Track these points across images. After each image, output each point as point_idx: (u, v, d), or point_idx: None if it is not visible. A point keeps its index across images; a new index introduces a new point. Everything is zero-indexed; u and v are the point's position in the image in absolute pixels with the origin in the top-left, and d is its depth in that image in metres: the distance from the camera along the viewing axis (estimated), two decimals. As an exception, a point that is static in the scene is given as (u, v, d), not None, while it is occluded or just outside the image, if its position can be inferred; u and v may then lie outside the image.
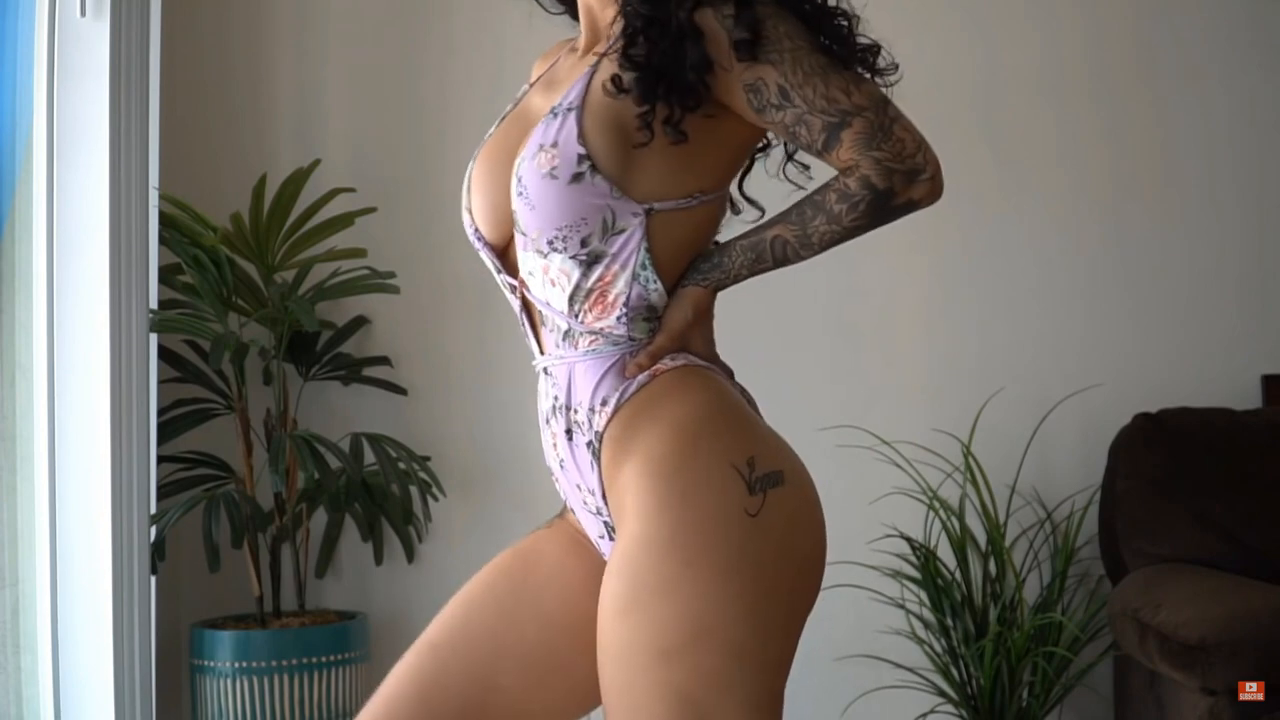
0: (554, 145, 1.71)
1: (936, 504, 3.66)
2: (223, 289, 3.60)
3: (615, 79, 1.72)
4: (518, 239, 1.78)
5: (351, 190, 3.75)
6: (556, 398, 1.79)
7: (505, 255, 1.84)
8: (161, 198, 3.56)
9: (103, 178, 3.27)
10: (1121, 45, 3.97)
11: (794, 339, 3.93)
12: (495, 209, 1.82)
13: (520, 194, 1.73)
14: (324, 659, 3.50)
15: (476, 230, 1.84)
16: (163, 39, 3.69)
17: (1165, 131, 3.95)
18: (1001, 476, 3.77)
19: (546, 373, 1.81)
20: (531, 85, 1.91)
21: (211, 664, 3.49)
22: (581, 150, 1.70)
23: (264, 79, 4.03)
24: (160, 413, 3.63)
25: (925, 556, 3.62)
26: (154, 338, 3.53)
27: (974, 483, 3.67)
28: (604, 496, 1.76)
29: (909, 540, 3.65)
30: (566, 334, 1.78)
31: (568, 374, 1.78)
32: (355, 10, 4.02)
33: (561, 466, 1.82)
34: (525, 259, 1.78)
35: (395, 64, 4.02)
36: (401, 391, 3.88)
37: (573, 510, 1.86)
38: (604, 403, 1.75)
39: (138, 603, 3.36)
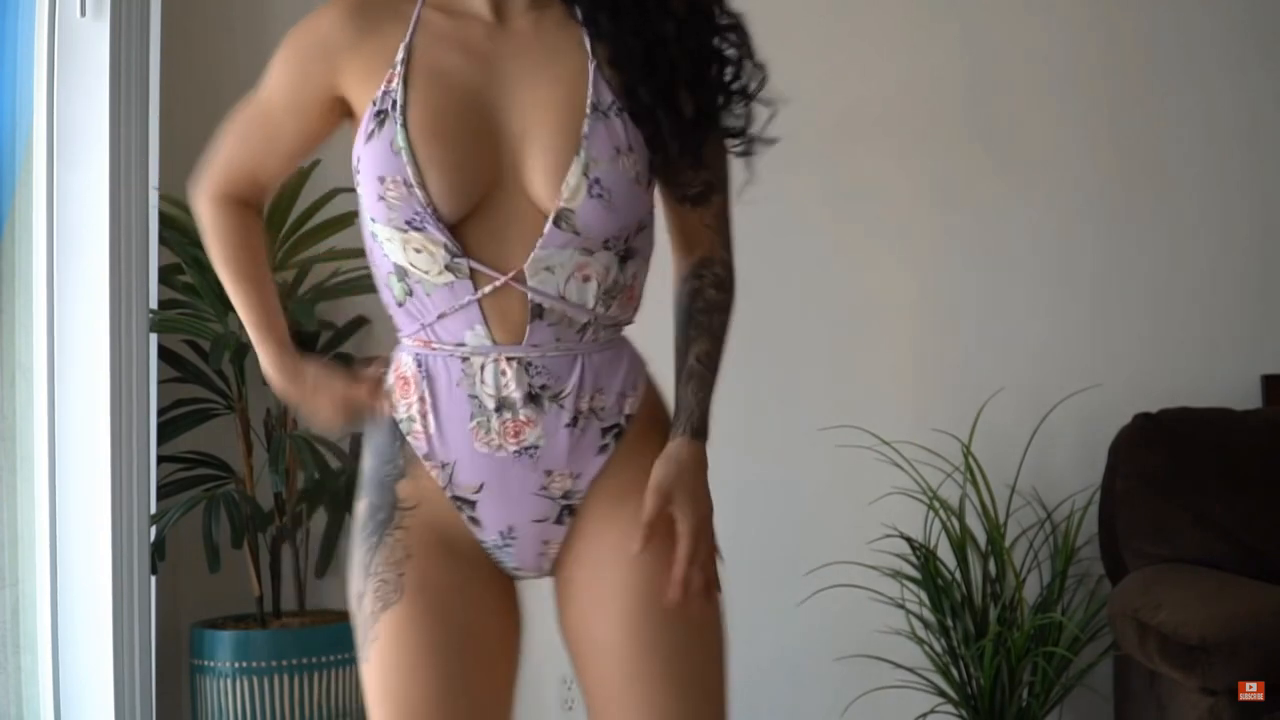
0: (630, 150, 1.75)
1: (936, 504, 3.66)
2: (223, 289, 3.59)
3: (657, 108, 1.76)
4: (554, 234, 1.73)
5: (351, 190, 3.73)
6: (544, 386, 1.77)
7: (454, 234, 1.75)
8: (161, 198, 3.56)
9: (103, 178, 3.27)
10: (1123, 45, 3.96)
11: (794, 339, 3.92)
12: (470, 188, 1.74)
13: (599, 196, 1.73)
14: (324, 659, 3.50)
15: (432, 208, 1.73)
16: (163, 39, 3.68)
17: (1166, 131, 3.94)
18: (1001, 476, 3.77)
19: (518, 363, 1.76)
20: (408, 54, 1.77)
21: (211, 664, 3.49)
22: (650, 156, 1.78)
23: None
24: (160, 413, 3.63)
25: (925, 556, 3.61)
26: (154, 338, 3.53)
27: (974, 483, 3.67)
28: (592, 479, 1.80)
29: (909, 540, 3.65)
30: (583, 326, 1.78)
31: (577, 364, 1.78)
32: (355, 10, 4.02)
33: (528, 453, 1.78)
34: (550, 254, 1.74)
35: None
36: None
37: (464, 498, 1.81)
38: (635, 386, 1.82)
39: (138, 603, 3.36)
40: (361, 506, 1.89)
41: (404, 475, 1.83)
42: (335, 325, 3.87)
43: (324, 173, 3.79)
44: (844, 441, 3.78)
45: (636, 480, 1.79)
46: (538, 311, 1.76)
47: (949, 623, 3.60)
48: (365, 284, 3.70)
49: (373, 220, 1.79)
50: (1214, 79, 3.93)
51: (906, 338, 3.96)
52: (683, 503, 1.75)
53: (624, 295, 1.81)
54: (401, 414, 1.83)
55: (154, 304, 3.55)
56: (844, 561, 3.75)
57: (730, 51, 1.82)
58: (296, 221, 3.68)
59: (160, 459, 3.61)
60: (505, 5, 1.80)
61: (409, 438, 1.82)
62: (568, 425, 1.78)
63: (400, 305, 1.81)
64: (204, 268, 3.58)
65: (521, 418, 1.77)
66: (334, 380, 1.91)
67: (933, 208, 3.96)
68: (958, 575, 3.62)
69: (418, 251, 1.75)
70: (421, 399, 1.80)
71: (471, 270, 1.74)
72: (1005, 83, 3.97)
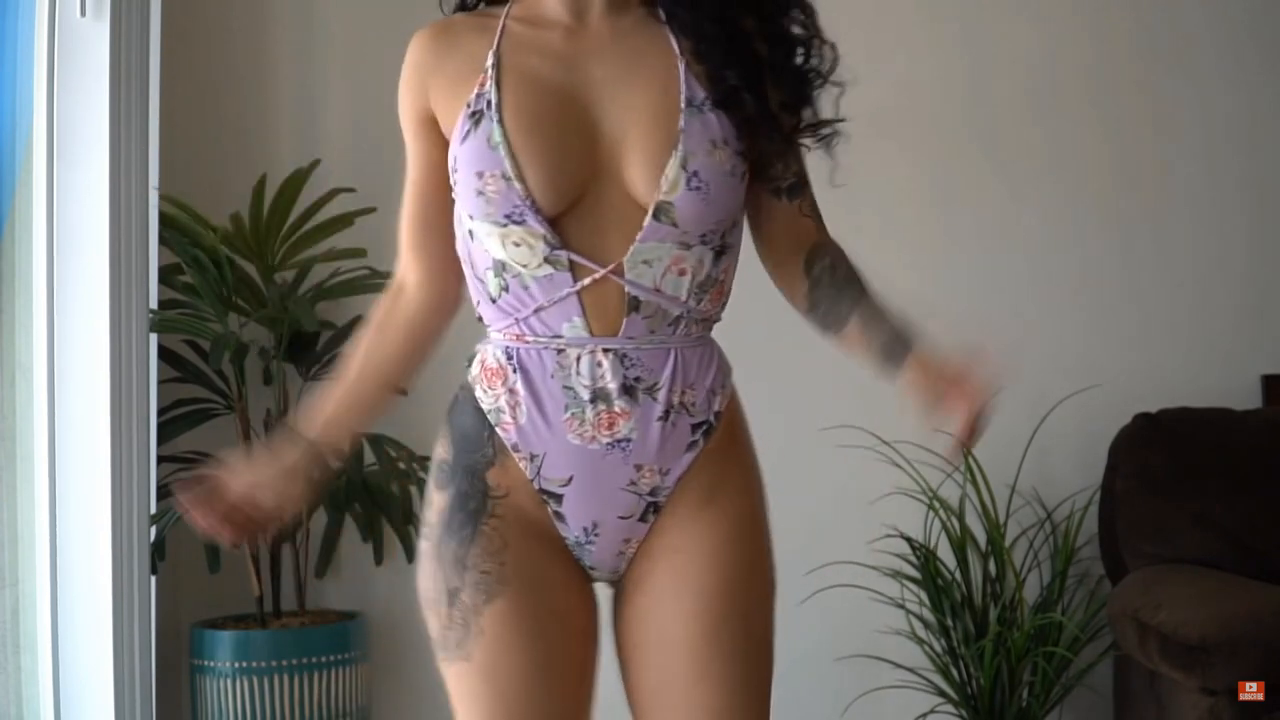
0: (725, 143, 1.78)
1: (936, 504, 3.66)
2: (223, 289, 3.59)
3: (749, 95, 1.80)
4: (653, 228, 1.76)
5: (351, 190, 3.75)
6: (639, 378, 1.79)
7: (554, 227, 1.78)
8: (161, 198, 3.56)
9: (103, 178, 3.27)
10: (1121, 44, 3.96)
11: (794, 339, 3.91)
12: (568, 181, 1.77)
13: (697, 188, 1.76)
14: (324, 659, 3.50)
15: (531, 201, 1.76)
16: (163, 39, 3.69)
17: (1164, 130, 3.94)
18: (1001, 476, 3.76)
19: (614, 354, 1.79)
20: (496, 60, 1.82)
21: (211, 664, 3.49)
22: (743, 149, 1.81)
23: (264, 79, 4.02)
24: (160, 413, 3.63)
25: (925, 556, 3.62)
26: (154, 338, 3.53)
27: (974, 483, 3.67)
28: (679, 477, 1.82)
29: (909, 540, 3.65)
30: (676, 320, 1.81)
31: (670, 357, 1.81)
32: (355, 10, 4.02)
33: (620, 446, 1.80)
34: (650, 248, 1.77)
35: (395, 64, 3.99)
36: (401, 392, 3.87)
37: (550, 491, 1.83)
38: (723, 385, 1.86)
39: (138, 603, 3.36)
40: (443, 498, 1.87)
41: (494, 464, 1.84)
42: (335, 325, 3.87)
43: (324, 173, 3.80)
44: (844, 441, 3.78)
45: (718, 482, 1.84)
46: (634, 304, 1.79)
47: (949, 623, 3.60)
48: (365, 284, 3.70)
49: (470, 218, 1.81)
50: (1212, 79, 3.94)
51: (906, 338, 3.96)
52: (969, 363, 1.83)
53: (715, 290, 1.84)
54: (489, 404, 1.84)
55: (154, 304, 3.55)
56: (844, 561, 3.76)
57: (802, 33, 1.86)
58: (297, 222, 3.68)
59: (160, 459, 3.61)
60: (584, 9, 1.85)
61: (497, 428, 1.84)
62: (660, 419, 1.80)
63: (494, 301, 1.83)
64: (204, 268, 3.58)
65: (616, 409, 1.79)
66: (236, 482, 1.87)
67: (932, 208, 3.96)
68: (958, 575, 3.62)
69: (516, 245, 1.79)
70: (512, 390, 1.82)
71: (571, 263, 1.78)
72: (1004, 84, 3.97)
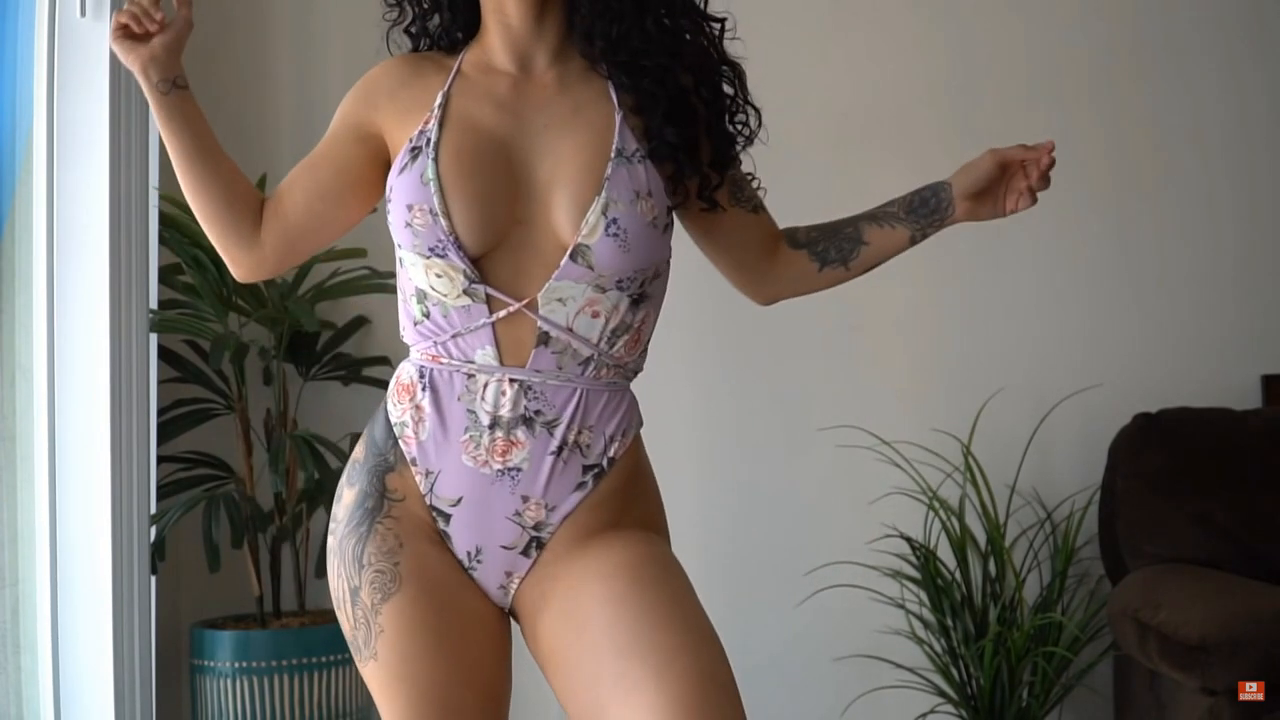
0: (649, 195, 1.86)
1: (936, 504, 3.66)
2: (223, 289, 3.59)
3: (680, 158, 1.89)
4: (569, 268, 1.83)
5: (351, 190, 3.74)
6: (539, 411, 1.86)
7: (475, 264, 1.86)
8: (161, 198, 3.56)
9: (103, 178, 3.27)
10: (1119, 43, 3.97)
11: (794, 340, 3.92)
12: (492, 223, 1.85)
13: (615, 235, 1.83)
14: (324, 659, 3.50)
15: (454, 237, 1.84)
16: (163, 39, 3.68)
17: (1164, 130, 3.95)
18: (1001, 476, 3.77)
19: (519, 385, 1.85)
20: (445, 100, 1.90)
21: (211, 664, 3.49)
22: (669, 203, 1.89)
23: (264, 79, 4.03)
24: (160, 413, 3.63)
25: (925, 556, 3.62)
26: (154, 338, 3.53)
27: (974, 483, 3.67)
28: (565, 515, 1.88)
29: (909, 540, 3.65)
30: (586, 360, 1.87)
31: (574, 397, 1.87)
32: (355, 10, 4.02)
33: (510, 475, 1.86)
34: (564, 286, 1.84)
35: (395, 64, 4.01)
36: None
37: (440, 510, 1.89)
38: (624, 433, 1.91)
39: (138, 603, 3.36)
40: (351, 494, 1.94)
41: (393, 470, 1.92)
42: (335, 325, 3.87)
43: (324, 173, 3.79)
44: (844, 441, 3.78)
45: (605, 523, 1.90)
46: (544, 338, 1.86)
47: (949, 623, 3.60)
48: (365, 284, 3.70)
49: (399, 246, 1.90)
50: (1210, 79, 3.94)
51: (906, 338, 3.96)
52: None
53: (630, 337, 1.90)
54: (396, 418, 1.92)
55: (154, 304, 3.55)
56: (844, 561, 3.76)
57: (732, 94, 1.96)
58: (296, 221, 3.67)
59: (160, 459, 3.61)
60: (529, 61, 1.93)
61: (400, 441, 1.91)
62: (552, 453, 1.87)
63: (416, 324, 1.91)
64: (204, 268, 3.58)
65: (511, 438, 1.86)
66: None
67: (933, 208, 3.95)
68: (958, 575, 3.63)
69: (439, 276, 1.86)
70: (418, 407, 1.90)
71: (488, 296, 1.85)
72: (1001, 85, 3.97)
